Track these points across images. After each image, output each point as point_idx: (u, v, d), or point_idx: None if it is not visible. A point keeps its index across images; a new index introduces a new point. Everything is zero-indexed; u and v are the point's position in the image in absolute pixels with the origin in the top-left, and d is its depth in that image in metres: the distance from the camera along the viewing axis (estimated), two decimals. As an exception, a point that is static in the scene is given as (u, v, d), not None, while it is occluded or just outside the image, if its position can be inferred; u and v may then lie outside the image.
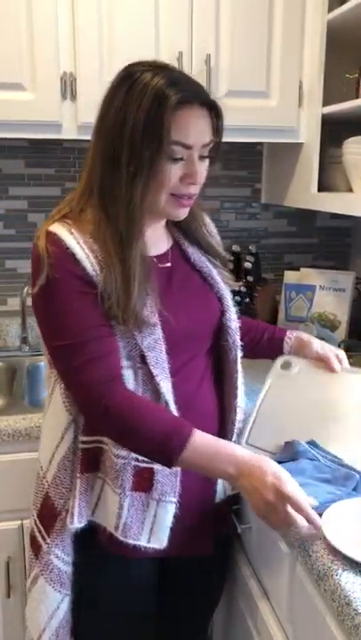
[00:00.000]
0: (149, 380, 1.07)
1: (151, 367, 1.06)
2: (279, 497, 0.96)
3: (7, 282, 2.03)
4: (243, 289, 1.87)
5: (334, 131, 1.70)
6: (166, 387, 1.07)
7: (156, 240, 1.16)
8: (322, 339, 1.92)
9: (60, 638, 1.19)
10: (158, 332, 1.06)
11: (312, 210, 1.78)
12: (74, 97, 1.59)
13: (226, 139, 1.74)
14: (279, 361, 1.31)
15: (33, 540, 1.18)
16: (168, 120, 0.98)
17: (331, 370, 1.28)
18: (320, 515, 1.01)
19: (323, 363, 1.30)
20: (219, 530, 1.27)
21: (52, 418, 1.13)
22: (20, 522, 1.56)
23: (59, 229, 1.03)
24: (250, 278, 1.88)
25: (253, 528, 1.27)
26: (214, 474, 1.07)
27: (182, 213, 1.11)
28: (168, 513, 1.10)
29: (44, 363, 1.87)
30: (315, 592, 0.99)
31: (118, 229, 1.03)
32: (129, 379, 1.07)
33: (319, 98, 1.66)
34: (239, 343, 1.21)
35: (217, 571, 1.36)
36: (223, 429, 1.21)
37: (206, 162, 1.09)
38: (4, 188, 1.96)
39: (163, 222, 1.18)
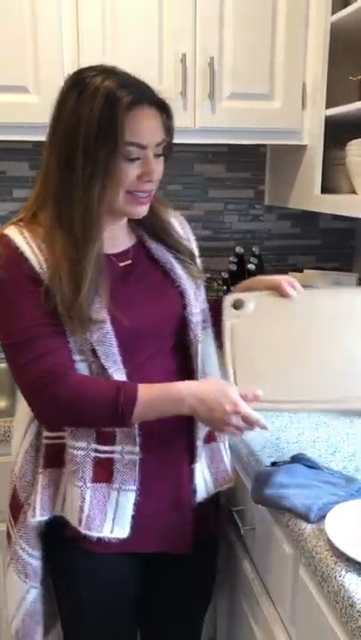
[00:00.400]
0: (103, 373, 1.09)
1: (102, 360, 1.08)
2: (236, 416, 1.05)
3: (11, 283, 2.03)
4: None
5: (337, 132, 1.70)
6: (119, 377, 1.09)
7: (116, 238, 1.18)
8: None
9: (27, 627, 1.24)
10: (107, 327, 1.07)
11: (315, 211, 1.78)
12: (78, 99, 1.60)
13: (229, 141, 1.78)
14: (228, 301, 1.20)
15: (7, 528, 1.24)
16: (121, 121, 1.02)
17: (285, 295, 1.22)
18: (324, 516, 1.02)
19: (276, 291, 1.24)
20: (202, 530, 1.24)
21: (20, 413, 1.20)
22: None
23: (10, 231, 1.08)
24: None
25: (257, 529, 1.28)
26: (170, 416, 1.10)
27: (141, 211, 1.13)
28: (129, 501, 1.13)
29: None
30: (318, 593, 0.99)
31: (73, 232, 1.05)
32: (83, 372, 1.10)
33: (323, 100, 1.66)
34: (200, 338, 1.21)
35: (204, 571, 1.34)
36: (193, 423, 1.19)
37: (161, 160, 1.12)
38: (7, 191, 1.97)
39: (124, 220, 1.19)
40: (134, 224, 1.21)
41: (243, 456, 1.33)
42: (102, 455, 1.12)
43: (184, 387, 1.07)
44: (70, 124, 1.04)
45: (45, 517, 1.16)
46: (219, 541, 1.36)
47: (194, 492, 1.21)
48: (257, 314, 1.20)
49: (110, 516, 1.13)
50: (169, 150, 1.13)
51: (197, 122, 1.68)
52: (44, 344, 1.05)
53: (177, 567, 1.27)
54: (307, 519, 1.04)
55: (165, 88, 1.60)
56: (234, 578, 1.45)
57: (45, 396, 1.05)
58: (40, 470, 1.15)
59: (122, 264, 1.17)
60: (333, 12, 1.60)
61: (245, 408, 1.05)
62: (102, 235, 1.09)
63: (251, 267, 1.90)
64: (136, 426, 1.10)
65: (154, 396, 1.06)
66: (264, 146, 2.10)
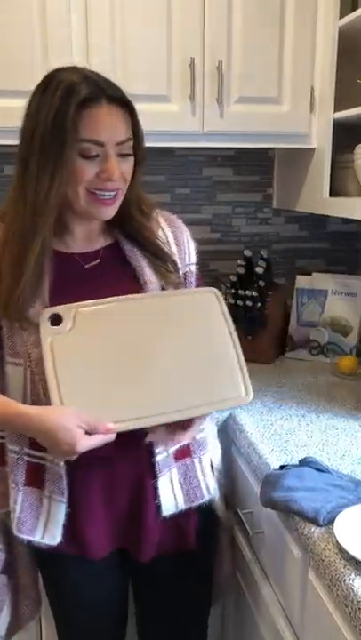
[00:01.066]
0: (38, 381, 1.08)
1: (33, 366, 1.08)
2: (69, 447, 1.00)
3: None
4: (254, 294, 1.87)
5: (346, 136, 1.70)
6: (54, 388, 1.05)
7: (87, 240, 1.17)
8: (334, 344, 1.93)
9: None
10: None
11: (323, 215, 1.78)
12: (87, 104, 1.61)
13: (238, 144, 1.78)
14: (44, 315, 1.08)
15: None
16: (73, 116, 1.01)
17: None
18: (332, 520, 1.02)
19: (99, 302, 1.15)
20: (176, 543, 1.24)
21: None
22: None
23: None
24: (261, 283, 1.88)
25: (265, 533, 1.27)
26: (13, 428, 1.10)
27: (106, 213, 1.11)
28: (60, 511, 1.13)
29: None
30: (327, 597, 0.99)
31: (24, 225, 1.05)
32: (18, 377, 1.10)
33: (331, 103, 1.66)
34: None
35: (196, 575, 1.33)
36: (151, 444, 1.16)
37: (129, 160, 1.09)
38: (17, 194, 1.98)
39: (97, 222, 1.17)
40: (111, 225, 1.19)
41: (251, 459, 1.33)
42: (34, 460, 1.14)
43: (33, 414, 1.04)
44: (31, 119, 1.05)
45: None
46: (201, 557, 1.32)
47: (158, 507, 1.18)
48: (76, 331, 1.08)
49: (42, 522, 1.14)
50: (138, 152, 1.11)
51: (206, 126, 1.68)
52: None
53: (163, 569, 1.27)
54: (316, 522, 1.03)
55: (174, 92, 1.64)
56: (242, 581, 1.44)
57: None
58: None
59: (88, 265, 1.16)
60: (342, 16, 1.60)
61: (81, 448, 1.00)
62: (51, 231, 1.07)
63: (259, 270, 1.90)
64: None
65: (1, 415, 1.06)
66: (272, 149, 2.10)
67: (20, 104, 1.56)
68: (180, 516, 1.22)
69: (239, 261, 1.96)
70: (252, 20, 1.65)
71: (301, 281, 2.03)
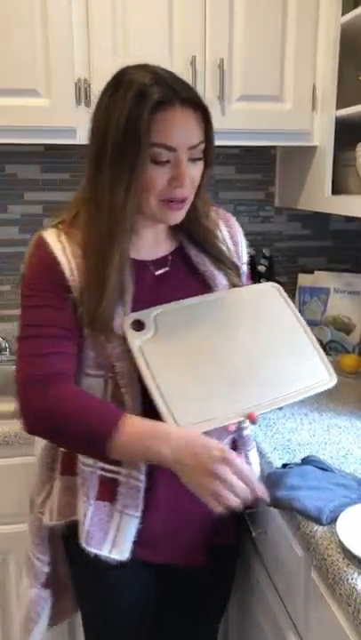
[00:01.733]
0: (118, 393, 1.06)
1: (118, 379, 1.05)
2: (225, 465, 0.94)
3: (22, 286, 2.05)
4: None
5: (348, 133, 1.69)
6: (131, 401, 1.05)
7: (155, 245, 1.14)
8: (336, 342, 1.92)
9: (28, 622, 1.25)
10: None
11: (326, 213, 1.78)
12: (88, 103, 1.60)
13: (240, 142, 1.77)
14: (127, 321, 1.06)
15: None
16: (146, 120, 0.96)
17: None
18: (335, 519, 1.01)
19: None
20: (220, 538, 1.23)
21: None
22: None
23: (48, 235, 1.06)
24: (264, 281, 1.88)
25: (268, 532, 1.27)
26: (150, 459, 1.01)
27: (174, 218, 1.08)
28: (131, 526, 1.10)
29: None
30: (330, 596, 0.99)
31: (100, 234, 1.02)
32: (97, 389, 1.08)
33: (333, 101, 1.66)
34: None
35: (218, 584, 1.33)
36: None
37: (198, 165, 1.05)
38: (19, 193, 1.98)
39: (163, 226, 1.14)
40: (176, 228, 1.15)
41: (254, 458, 1.33)
42: (108, 474, 1.10)
43: (172, 427, 1.00)
44: (102, 122, 1.01)
45: (58, 522, 1.16)
46: (237, 551, 1.34)
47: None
48: (160, 335, 1.08)
49: (111, 537, 1.11)
50: (210, 157, 1.06)
51: (207, 124, 1.68)
52: (44, 344, 1.02)
53: (191, 580, 1.26)
54: (318, 521, 1.03)
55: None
56: (245, 580, 1.44)
57: (30, 399, 1.01)
58: (57, 476, 1.15)
59: (158, 272, 1.13)
60: (344, 13, 1.59)
61: (238, 461, 0.95)
62: (129, 239, 1.05)
63: (261, 268, 1.90)
64: None
65: (138, 427, 0.99)
66: (274, 147, 2.10)
67: (21, 103, 1.58)
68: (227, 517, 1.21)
69: (241, 260, 1.96)
70: (253, 18, 1.65)
71: (304, 279, 2.03)
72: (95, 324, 1.03)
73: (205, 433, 1.00)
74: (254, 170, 2.11)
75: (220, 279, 1.17)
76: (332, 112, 1.66)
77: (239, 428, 1.13)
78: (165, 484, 1.11)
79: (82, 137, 1.62)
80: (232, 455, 0.95)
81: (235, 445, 1.22)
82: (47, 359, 1.02)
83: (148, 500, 1.12)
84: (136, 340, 1.05)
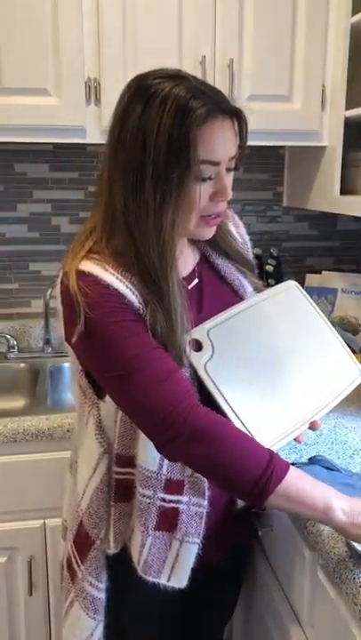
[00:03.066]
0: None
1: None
2: None
3: (31, 284, 2.06)
4: (264, 292, 1.87)
5: (356, 134, 1.69)
6: (225, 411, 1.00)
7: (182, 257, 1.08)
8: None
9: None
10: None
11: (334, 213, 1.78)
12: (98, 102, 1.61)
13: (248, 142, 1.76)
14: (187, 343, 1.01)
15: (69, 564, 1.16)
16: (194, 138, 0.89)
17: None
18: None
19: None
20: (238, 535, 1.24)
21: (86, 450, 1.10)
22: (42, 521, 1.57)
23: (91, 267, 0.95)
24: (271, 281, 1.88)
25: (274, 530, 1.28)
26: (310, 514, 0.94)
27: (210, 233, 1.05)
28: (191, 553, 1.07)
29: (68, 371, 1.89)
30: (336, 595, 0.99)
31: (152, 261, 0.95)
32: None
33: (342, 101, 1.66)
34: None
35: (231, 581, 1.34)
36: None
37: (232, 174, 1.01)
38: (28, 192, 1.99)
39: (185, 239, 1.10)
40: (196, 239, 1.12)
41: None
42: (168, 505, 1.05)
43: (333, 490, 0.94)
44: (136, 140, 0.91)
45: (118, 549, 1.11)
46: (249, 548, 1.35)
47: (233, 500, 1.17)
48: (218, 348, 1.04)
49: (169, 565, 1.08)
50: (240, 160, 1.01)
51: (216, 123, 1.68)
52: (158, 369, 0.93)
53: (208, 577, 1.21)
54: (325, 521, 1.03)
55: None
56: (250, 579, 1.44)
57: (183, 430, 0.91)
58: (112, 504, 1.09)
59: (190, 286, 1.08)
60: (354, 13, 1.59)
61: None
62: (176, 262, 0.98)
63: (269, 268, 1.90)
64: (204, 480, 1.03)
65: (301, 479, 0.94)
66: (283, 147, 2.10)
67: (31, 102, 1.58)
68: (240, 508, 1.21)
69: (249, 259, 1.96)
70: (263, 18, 1.65)
71: (311, 279, 2.03)
72: (174, 352, 0.97)
73: None
74: (263, 170, 2.12)
75: (247, 285, 1.15)
76: (341, 112, 1.66)
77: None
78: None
79: (91, 136, 1.64)
80: None
81: None
82: (173, 378, 0.94)
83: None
84: (200, 361, 1.02)
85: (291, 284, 1.21)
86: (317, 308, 1.20)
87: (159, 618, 1.20)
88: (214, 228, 1.05)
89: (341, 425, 1.43)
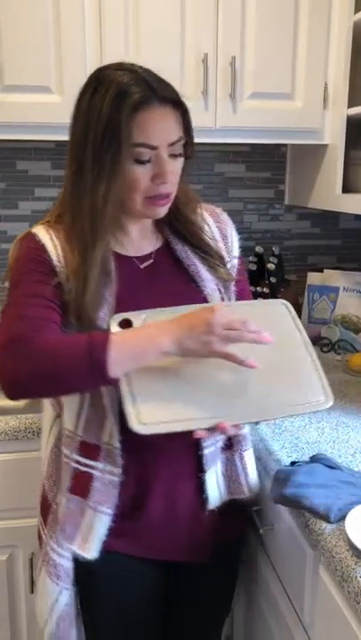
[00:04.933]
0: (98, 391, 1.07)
1: None
2: (218, 312, 0.97)
3: (32, 282, 2.05)
4: (266, 290, 1.87)
5: (358, 132, 1.69)
6: (109, 396, 1.05)
7: (141, 241, 1.16)
8: (345, 341, 1.92)
9: (61, 630, 1.20)
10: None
11: (336, 211, 1.78)
12: (100, 99, 1.61)
13: (250, 140, 1.77)
14: (116, 320, 1.06)
15: (38, 531, 1.23)
16: (126, 121, 0.98)
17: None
18: (344, 517, 1.02)
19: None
20: (221, 535, 1.23)
21: (44, 412, 1.22)
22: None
23: (36, 229, 1.10)
24: (273, 280, 1.88)
25: (275, 529, 1.27)
26: (150, 355, 0.98)
27: (159, 212, 1.10)
28: (102, 523, 1.10)
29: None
30: (338, 594, 0.99)
31: (84, 231, 1.04)
32: None
33: (344, 99, 1.65)
34: None
35: (223, 580, 1.33)
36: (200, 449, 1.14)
37: (179, 160, 1.07)
38: (30, 190, 1.99)
39: (148, 222, 1.16)
40: (161, 223, 1.18)
41: (262, 456, 1.33)
42: (82, 468, 1.10)
43: (157, 322, 1.01)
44: (82, 122, 1.03)
45: None
46: (240, 547, 1.35)
47: (205, 500, 1.17)
48: None
49: (82, 533, 1.11)
50: (190, 150, 1.09)
51: (218, 121, 1.68)
52: (34, 312, 1.01)
53: (195, 577, 1.26)
54: (327, 519, 1.03)
55: (187, 88, 1.64)
56: (252, 577, 1.45)
57: (17, 352, 0.97)
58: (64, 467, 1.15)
59: (143, 265, 1.15)
60: (357, 11, 1.59)
61: (227, 314, 0.97)
62: (110, 236, 1.07)
63: (270, 266, 1.90)
64: (118, 446, 1.07)
65: (127, 334, 1.00)
66: (285, 145, 2.09)
67: (33, 99, 1.58)
68: (223, 508, 1.21)
69: (251, 258, 1.96)
70: (265, 16, 1.64)
71: (313, 278, 2.03)
72: (80, 315, 1.04)
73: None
74: (264, 168, 2.11)
75: (204, 273, 1.17)
76: (343, 110, 1.66)
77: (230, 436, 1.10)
78: (161, 482, 1.13)
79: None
80: (218, 305, 1.00)
81: (230, 443, 1.21)
82: (33, 322, 1.00)
83: (144, 497, 1.13)
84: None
85: (279, 303, 1.18)
86: (303, 333, 1.15)
87: (124, 599, 1.20)
88: (164, 209, 1.10)
89: (343, 424, 1.43)
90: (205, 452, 1.15)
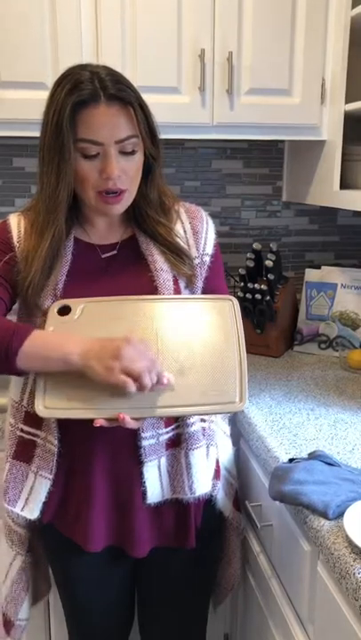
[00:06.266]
0: None
1: None
2: (129, 345, 1.02)
3: (29, 279, 2.05)
4: (263, 287, 1.87)
5: (356, 128, 1.68)
6: (40, 376, 1.09)
7: (107, 232, 1.22)
8: (343, 338, 1.92)
9: (14, 592, 1.32)
10: None
11: (334, 208, 1.77)
12: (96, 95, 1.60)
13: (248, 136, 1.77)
14: (54, 306, 1.13)
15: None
16: (69, 116, 1.04)
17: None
18: (342, 513, 1.01)
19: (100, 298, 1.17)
20: (160, 536, 1.23)
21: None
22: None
23: (11, 215, 1.21)
24: (271, 276, 1.87)
25: (274, 526, 1.27)
26: (57, 362, 1.04)
27: (112, 210, 1.14)
28: (43, 487, 1.18)
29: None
30: (336, 590, 0.99)
31: (38, 218, 1.13)
32: None
33: (342, 95, 1.65)
34: None
35: (193, 574, 1.32)
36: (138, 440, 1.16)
37: (132, 158, 1.11)
38: (26, 187, 1.98)
39: (114, 217, 1.20)
40: (128, 218, 1.23)
41: (260, 453, 1.33)
42: (26, 436, 1.19)
43: (79, 337, 1.07)
44: (44, 115, 1.10)
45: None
46: (200, 557, 1.30)
47: (144, 493, 1.18)
48: (82, 320, 1.12)
49: (24, 496, 1.20)
50: (149, 148, 1.12)
51: (216, 118, 1.67)
52: None
53: (147, 570, 1.30)
54: (325, 516, 1.03)
55: (184, 84, 1.63)
56: (250, 574, 1.45)
57: None
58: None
59: (105, 255, 1.20)
60: (354, 6, 1.58)
61: (141, 345, 1.03)
62: (61, 222, 1.12)
63: (268, 263, 1.89)
64: (54, 420, 1.13)
65: (48, 335, 1.08)
66: (282, 142, 2.09)
67: (29, 96, 1.57)
68: (177, 513, 1.22)
69: (248, 254, 1.95)
70: (262, 11, 1.64)
71: (311, 274, 2.03)
72: (26, 293, 1.12)
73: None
74: (262, 164, 2.11)
75: (161, 264, 1.19)
76: (341, 106, 1.65)
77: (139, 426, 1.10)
78: (102, 461, 1.16)
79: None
80: (135, 339, 1.04)
81: (178, 441, 1.20)
82: None
83: (86, 472, 1.17)
84: (52, 325, 1.11)
85: (227, 299, 1.19)
86: (240, 332, 1.15)
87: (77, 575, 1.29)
88: (117, 207, 1.14)
89: (341, 420, 1.43)
90: (144, 443, 1.16)
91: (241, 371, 1.11)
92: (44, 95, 1.57)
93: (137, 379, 1.01)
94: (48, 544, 1.31)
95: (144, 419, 1.10)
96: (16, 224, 1.17)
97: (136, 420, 1.06)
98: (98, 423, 1.04)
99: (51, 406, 1.07)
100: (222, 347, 1.13)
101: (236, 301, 1.19)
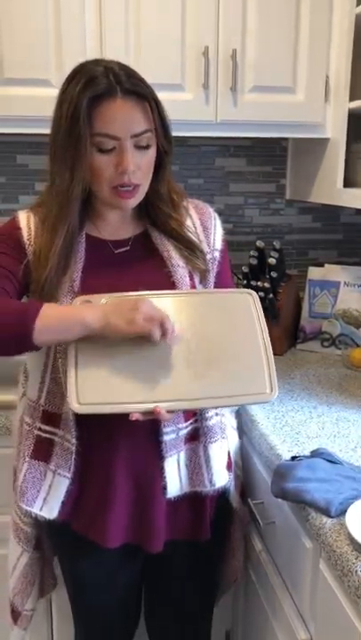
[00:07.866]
0: (55, 360, 1.14)
1: (57, 346, 1.11)
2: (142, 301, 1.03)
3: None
4: (266, 285, 1.87)
5: (360, 125, 1.68)
6: (64, 368, 1.09)
7: (119, 227, 1.21)
8: (346, 336, 1.92)
9: (21, 585, 1.33)
10: None
11: (337, 206, 1.77)
12: (100, 93, 1.60)
13: (251, 134, 1.77)
14: (78, 301, 1.11)
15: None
16: (86, 111, 1.04)
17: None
18: (344, 511, 1.02)
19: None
20: (176, 530, 1.24)
21: (18, 389, 1.31)
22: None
23: (20, 211, 1.20)
24: (274, 274, 1.87)
25: (276, 523, 1.28)
26: (75, 330, 1.04)
27: (126, 204, 1.14)
28: (61, 486, 1.17)
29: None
30: (338, 588, 0.99)
31: (51, 214, 1.12)
32: (39, 354, 1.14)
33: (346, 93, 1.64)
34: None
35: (182, 577, 1.33)
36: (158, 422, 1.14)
37: (147, 152, 1.11)
38: (30, 184, 1.98)
39: (127, 211, 1.20)
40: (141, 213, 1.22)
41: (262, 450, 1.33)
42: (44, 435, 1.18)
43: (85, 307, 1.08)
44: (56, 110, 1.10)
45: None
46: (212, 548, 1.32)
47: (164, 488, 1.18)
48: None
49: (43, 495, 1.19)
50: (163, 142, 1.13)
51: (219, 115, 1.67)
52: None
53: (156, 565, 1.29)
54: (327, 513, 1.03)
55: (188, 81, 1.63)
56: (252, 571, 1.45)
57: None
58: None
59: (118, 251, 1.20)
60: (358, 4, 1.58)
61: (151, 307, 1.03)
62: (74, 219, 1.12)
63: (271, 261, 1.89)
64: (72, 418, 1.12)
65: (60, 307, 1.08)
66: (286, 139, 2.09)
67: (33, 93, 1.57)
68: (193, 506, 1.23)
69: (251, 252, 1.95)
70: (266, 9, 1.63)
71: (314, 272, 2.02)
72: (42, 290, 1.11)
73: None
74: (265, 162, 2.11)
75: (177, 259, 1.19)
76: (345, 104, 1.65)
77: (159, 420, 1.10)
78: (123, 459, 1.16)
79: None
80: (146, 298, 1.06)
81: (195, 434, 1.21)
82: None
83: (108, 471, 1.16)
84: None
85: (246, 292, 1.20)
86: (263, 324, 1.16)
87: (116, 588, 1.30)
88: (131, 201, 1.14)
89: (344, 418, 1.43)
90: (165, 438, 1.16)
91: (269, 361, 1.12)
92: (47, 92, 1.57)
93: (161, 323, 1.02)
94: (59, 542, 1.31)
95: (179, 411, 1.10)
96: (25, 221, 1.16)
97: (171, 412, 1.06)
98: (134, 417, 1.03)
99: (85, 402, 1.05)
100: (248, 338, 1.14)
101: (255, 295, 1.19)
